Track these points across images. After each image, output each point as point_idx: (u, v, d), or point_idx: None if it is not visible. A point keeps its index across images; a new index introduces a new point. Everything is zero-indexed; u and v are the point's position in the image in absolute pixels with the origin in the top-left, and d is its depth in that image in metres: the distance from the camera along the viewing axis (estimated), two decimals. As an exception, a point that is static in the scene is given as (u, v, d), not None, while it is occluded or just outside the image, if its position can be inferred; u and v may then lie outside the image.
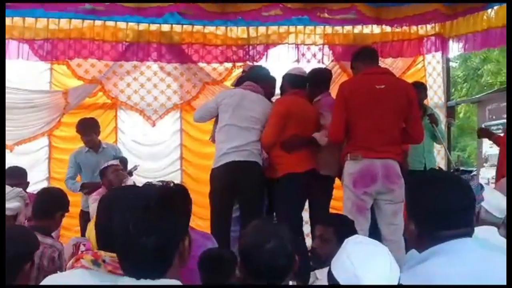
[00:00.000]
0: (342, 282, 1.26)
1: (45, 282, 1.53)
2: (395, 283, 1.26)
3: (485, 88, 12.53)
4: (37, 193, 3.21)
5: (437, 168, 4.27)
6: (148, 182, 1.33)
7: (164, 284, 1.19)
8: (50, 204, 2.92)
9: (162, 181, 1.30)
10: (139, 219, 1.18)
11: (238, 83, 4.09)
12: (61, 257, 2.71)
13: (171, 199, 1.23)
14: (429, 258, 1.47)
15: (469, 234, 1.53)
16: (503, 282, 1.40)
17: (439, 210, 1.50)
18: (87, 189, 4.44)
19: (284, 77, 4.03)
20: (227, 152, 3.67)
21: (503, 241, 1.91)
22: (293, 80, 3.93)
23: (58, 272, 2.38)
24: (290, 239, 1.71)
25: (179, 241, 1.24)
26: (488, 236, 1.82)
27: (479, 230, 1.75)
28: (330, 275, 1.31)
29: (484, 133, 4.77)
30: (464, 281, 1.40)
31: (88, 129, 4.59)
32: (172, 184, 1.31)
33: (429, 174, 1.71)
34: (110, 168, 4.04)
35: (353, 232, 2.22)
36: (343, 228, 2.27)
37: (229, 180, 3.67)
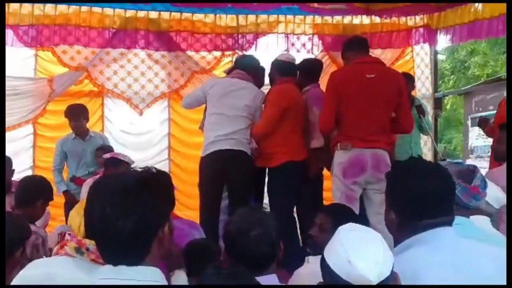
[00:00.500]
0: (334, 268, 1.25)
1: (28, 267, 1.51)
2: (389, 269, 1.25)
3: (472, 80, 12.64)
4: (19, 181, 3.16)
5: (417, 156, 4.29)
6: (131, 168, 1.29)
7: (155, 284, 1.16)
8: (31, 192, 2.90)
9: (144, 167, 1.27)
10: (116, 202, 1.14)
11: (229, 73, 4.06)
12: (45, 244, 2.69)
13: (151, 183, 1.19)
14: (409, 248, 1.48)
15: (449, 222, 1.53)
16: (484, 271, 1.40)
17: (418, 198, 1.50)
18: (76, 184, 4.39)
19: (273, 64, 4.02)
20: (215, 140, 3.66)
21: (495, 233, 1.92)
22: (282, 68, 3.92)
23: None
24: (275, 227, 1.71)
25: (158, 227, 1.20)
26: (481, 226, 1.84)
27: (474, 219, 1.78)
28: (323, 261, 1.30)
29: (483, 121, 4.80)
30: (444, 270, 1.40)
31: (77, 114, 4.55)
32: (154, 170, 1.27)
33: (408, 162, 1.69)
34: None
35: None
36: (344, 220, 2.27)
37: (218, 169, 3.66)
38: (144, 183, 1.18)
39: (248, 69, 3.91)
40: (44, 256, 2.57)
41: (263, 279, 1.60)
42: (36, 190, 2.93)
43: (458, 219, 1.61)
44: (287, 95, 3.78)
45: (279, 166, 3.72)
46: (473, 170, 2.01)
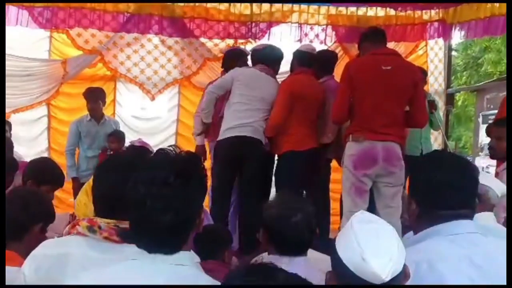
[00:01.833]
0: (346, 262, 1.23)
1: (42, 246, 1.51)
2: (401, 265, 1.23)
3: (484, 77, 12.51)
4: (27, 163, 3.12)
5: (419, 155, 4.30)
6: (161, 149, 1.28)
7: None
8: (38, 175, 2.81)
9: (173, 148, 1.26)
10: (157, 195, 1.15)
11: (253, 59, 4.08)
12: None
13: (189, 174, 1.19)
14: (427, 238, 1.48)
15: (469, 216, 1.52)
16: (498, 266, 1.40)
17: (440, 187, 1.49)
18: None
19: (294, 54, 4.07)
20: (233, 127, 3.74)
21: (502, 229, 1.93)
22: (300, 57, 3.98)
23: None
24: (313, 213, 1.79)
25: (196, 218, 1.23)
26: (486, 223, 1.84)
27: (478, 216, 1.77)
28: (334, 251, 1.28)
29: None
30: (460, 262, 1.40)
31: (95, 96, 4.61)
32: (183, 153, 1.26)
33: (431, 154, 1.70)
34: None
35: None
36: None
37: (234, 153, 3.75)
38: (184, 175, 1.18)
39: (271, 62, 3.96)
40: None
41: (296, 261, 1.69)
42: (43, 174, 2.84)
43: None
44: (297, 84, 3.80)
45: (282, 154, 3.80)
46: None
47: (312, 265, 1.76)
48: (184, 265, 1.18)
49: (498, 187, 2.20)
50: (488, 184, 2.18)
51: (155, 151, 1.30)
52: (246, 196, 3.80)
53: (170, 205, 1.15)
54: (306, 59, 3.94)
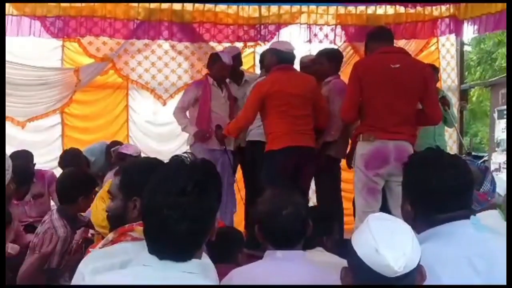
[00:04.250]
0: (361, 255, 1.25)
1: (93, 259, 1.43)
2: (416, 262, 1.24)
3: (499, 72, 12.34)
4: (57, 178, 3.22)
5: (435, 147, 4.23)
6: (175, 156, 1.28)
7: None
8: (70, 189, 2.88)
9: (188, 155, 1.26)
10: (173, 204, 1.15)
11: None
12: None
13: (206, 182, 1.20)
14: (425, 241, 1.45)
15: (467, 216, 1.50)
16: (499, 265, 1.39)
17: (435, 191, 1.47)
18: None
19: (270, 52, 4.02)
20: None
21: (502, 227, 1.90)
22: (279, 55, 3.88)
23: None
24: (304, 205, 1.86)
25: (211, 226, 1.23)
26: (491, 221, 1.81)
27: (481, 216, 1.72)
28: (350, 247, 1.30)
29: None
30: (458, 263, 1.39)
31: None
32: (199, 161, 1.25)
33: (425, 154, 1.64)
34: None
35: None
36: None
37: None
38: (201, 185, 1.19)
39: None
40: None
41: (291, 254, 1.73)
42: (75, 187, 2.90)
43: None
44: (269, 82, 3.76)
45: (266, 153, 3.79)
46: (484, 171, 1.95)
47: (308, 260, 1.79)
48: (193, 273, 1.19)
49: (500, 186, 2.16)
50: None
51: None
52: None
53: (187, 215, 1.16)
54: (286, 58, 3.84)
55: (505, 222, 1.96)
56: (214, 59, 4.35)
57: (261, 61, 4.52)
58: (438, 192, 1.47)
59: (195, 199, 1.17)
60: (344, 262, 1.38)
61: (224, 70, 4.30)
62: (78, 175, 3.10)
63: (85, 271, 1.39)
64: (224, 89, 4.34)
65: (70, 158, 4.23)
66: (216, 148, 4.22)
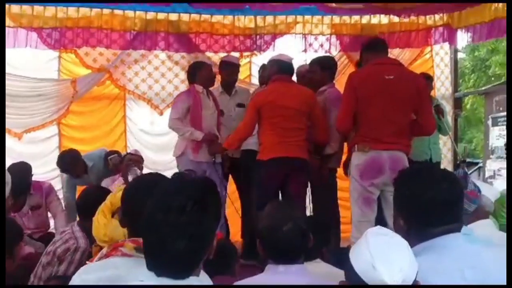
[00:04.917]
0: (358, 270, 1.27)
1: (85, 272, 1.46)
2: (412, 278, 1.25)
3: (493, 79, 12.43)
4: (80, 194, 3.29)
5: (424, 161, 4.28)
6: (176, 173, 1.30)
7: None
8: (91, 205, 2.86)
9: (189, 173, 1.28)
10: (173, 223, 1.16)
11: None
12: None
13: (207, 203, 1.21)
14: (418, 256, 1.44)
15: (458, 229, 1.53)
16: (490, 276, 1.41)
17: (426, 206, 1.49)
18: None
19: (271, 63, 4.06)
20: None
21: (501, 235, 1.92)
22: (279, 65, 3.94)
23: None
24: (304, 219, 1.87)
25: (210, 245, 1.24)
26: (485, 231, 1.84)
27: (475, 227, 1.76)
28: (347, 262, 1.32)
29: None
30: (450, 275, 1.41)
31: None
32: (200, 179, 1.27)
33: (415, 169, 1.70)
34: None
35: None
36: None
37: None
38: (201, 204, 1.19)
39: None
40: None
41: (292, 268, 1.75)
42: (95, 203, 2.94)
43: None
44: (264, 93, 3.87)
45: (256, 163, 3.85)
46: (465, 177, 2.04)
47: (309, 273, 1.80)
48: None
49: (491, 193, 2.19)
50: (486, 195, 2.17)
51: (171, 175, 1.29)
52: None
53: (186, 233, 1.16)
54: (286, 67, 3.89)
55: (499, 231, 1.99)
56: (199, 65, 4.42)
57: (260, 75, 4.55)
58: (432, 205, 1.49)
59: (194, 218, 1.17)
60: (341, 273, 1.39)
61: (212, 72, 4.39)
62: (101, 193, 3.12)
63: (75, 282, 1.42)
64: (211, 98, 4.36)
65: (68, 159, 4.28)
66: (203, 160, 4.14)
